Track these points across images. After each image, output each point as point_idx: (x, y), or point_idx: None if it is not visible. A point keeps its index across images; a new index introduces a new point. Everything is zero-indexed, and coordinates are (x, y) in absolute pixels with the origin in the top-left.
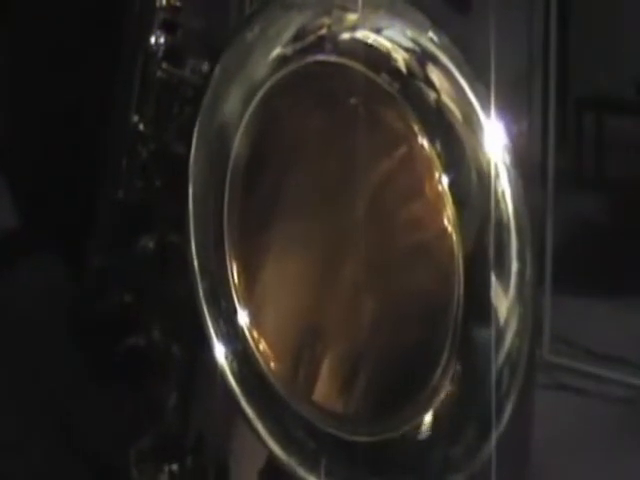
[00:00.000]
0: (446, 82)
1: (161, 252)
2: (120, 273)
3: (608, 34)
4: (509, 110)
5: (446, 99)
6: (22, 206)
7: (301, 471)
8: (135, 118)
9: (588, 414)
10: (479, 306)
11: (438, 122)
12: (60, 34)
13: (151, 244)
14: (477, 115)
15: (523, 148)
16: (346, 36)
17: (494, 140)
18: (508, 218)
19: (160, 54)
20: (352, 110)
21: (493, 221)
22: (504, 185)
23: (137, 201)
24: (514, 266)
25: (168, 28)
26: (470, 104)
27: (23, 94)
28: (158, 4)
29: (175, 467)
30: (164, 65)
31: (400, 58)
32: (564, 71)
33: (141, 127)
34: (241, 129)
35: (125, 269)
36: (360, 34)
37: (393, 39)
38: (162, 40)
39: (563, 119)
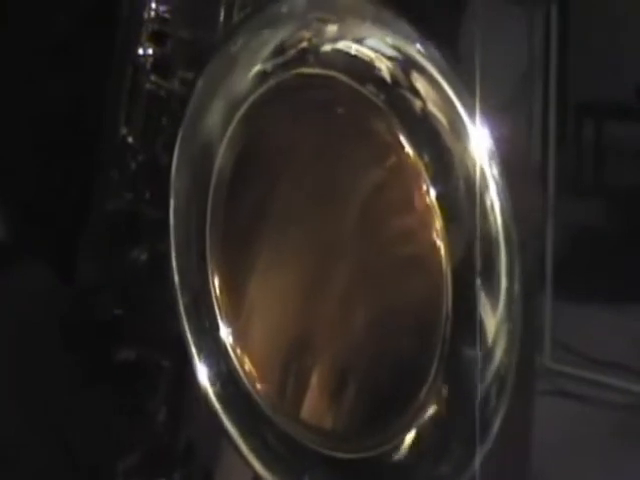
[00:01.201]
0: (432, 90)
1: (150, 264)
2: (110, 285)
3: (608, 39)
4: (505, 117)
5: (432, 107)
6: (11, 217)
7: None
8: (124, 130)
9: (589, 420)
10: (468, 322)
11: (425, 131)
12: (49, 46)
13: (140, 256)
14: (464, 124)
15: (513, 156)
16: (328, 48)
17: (481, 148)
18: (497, 231)
19: (148, 66)
20: (337, 123)
21: (479, 229)
22: (493, 197)
23: (126, 213)
24: (503, 282)
25: (156, 39)
26: (457, 112)
27: (12, 104)
28: (146, 15)
29: None
30: (152, 77)
31: (384, 67)
32: (564, 77)
33: (130, 139)
34: (224, 142)
35: (115, 281)
36: (342, 45)
37: (375, 48)
38: (150, 52)
39: (563, 125)
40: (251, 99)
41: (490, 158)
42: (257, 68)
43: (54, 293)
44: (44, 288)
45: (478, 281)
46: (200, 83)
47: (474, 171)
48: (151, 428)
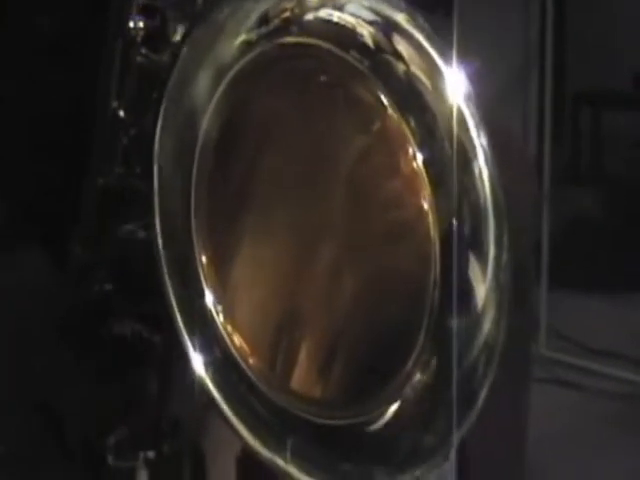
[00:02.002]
0: (414, 52)
1: (142, 239)
2: (102, 261)
3: (605, 28)
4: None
5: (415, 70)
6: (3, 195)
7: (266, 452)
8: (115, 104)
9: (584, 409)
10: (456, 290)
11: (409, 95)
12: (39, 21)
13: (132, 231)
14: (446, 82)
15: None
16: (310, 17)
17: (458, 92)
18: (485, 201)
19: (139, 39)
20: (323, 92)
21: (456, 189)
22: (481, 166)
23: (118, 187)
24: (491, 251)
25: (147, 13)
26: (440, 73)
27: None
28: None
29: (151, 454)
30: (143, 50)
31: (366, 33)
32: (561, 65)
33: (121, 113)
34: (210, 110)
35: (106, 256)
36: (324, 13)
37: (356, 14)
38: (141, 25)
39: (560, 113)
40: (236, 68)
41: (477, 125)
42: (242, 38)
43: (46, 272)
44: (35, 267)
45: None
46: (185, 51)
47: (458, 130)
48: (141, 402)
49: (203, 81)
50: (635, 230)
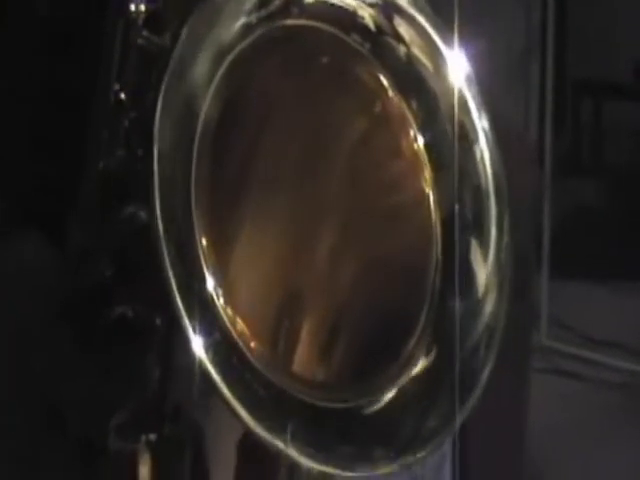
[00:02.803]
0: (415, 34)
1: (143, 222)
2: (102, 244)
3: (606, 19)
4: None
5: (416, 51)
6: (2, 179)
7: (267, 435)
8: (116, 87)
9: (585, 399)
10: (459, 274)
11: (410, 76)
12: (39, 5)
13: (133, 214)
14: (447, 64)
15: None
16: None
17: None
18: (487, 183)
19: (140, 22)
20: (323, 74)
21: (456, 168)
22: (483, 149)
23: (119, 171)
24: (492, 233)
25: None
26: (441, 55)
27: None
28: None
29: (152, 436)
30: (144, 33)
31: (367, 15)
32: (562, 55)
33: (122, 96)
34: (210, 93)
35: (107, 240)
36: None
37: None
38: (142, 7)
39: (561, 103)
40: (236, 50)
41: (478, 108)
42: (242, 21)
43: (46, 257)
44: (35, 253)
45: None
46: (185, 33)
47: (460, 113)
48: (142, 385)
49: (203, 64)
50: (636, 220)
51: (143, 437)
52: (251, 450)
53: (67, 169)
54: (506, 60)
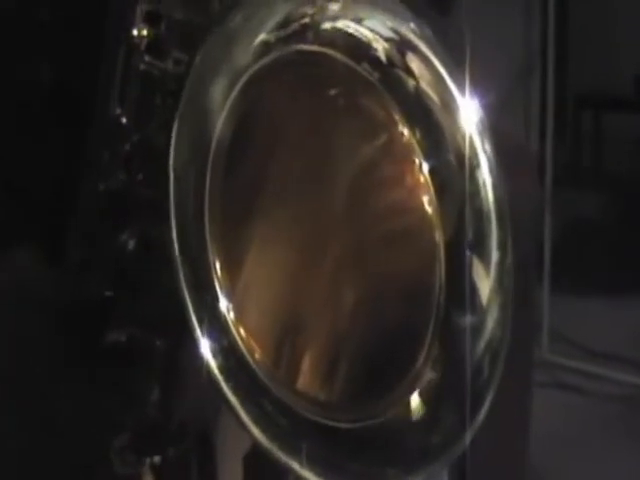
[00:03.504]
0: (425, 70)
1: (143, 245)
2: (101, 266)
3: (607, 30)
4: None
5: (425, 86)
6: (1, 197)
7: (282, 456)
8: (117, 111)
9: (587, 412)
10: (461, 293)
11: (417, 109)
12: (41, 26)
13: (132, 237)
14: (456, 102)
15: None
16: (328, 25)
17: (471, 123)
18: (489, 208)
19: (142, 46)
20: (333, 99)
21: (468, 199)
22: (485, 174)
23: (119, 193)
24: (494, 255)
25: (150, 20)
26: (449, 91)
27: (0, 84)
28: None
29: (157, 459)
30: (146, 58)
31: (380, 48)
32: (563, 67)
33: (123, 120)
34: (222, 117)
35: (106, 262)
36: (341, 24)
37: (374, 29)
38: (144, 32)
39: (562, 115)
40: (251, 71)
41: (481, 134)
42: (261, 38)
43: (43, 276)
44: (33, 271)
45: (468, 252)
46: (198, 59)
47: (465, 144)
48: (144, 407)
49: (218, 86)
50: (636, 232)
51: (147, 460)
52: (257, 465)
53: (65, 188)
54: (507, 72)
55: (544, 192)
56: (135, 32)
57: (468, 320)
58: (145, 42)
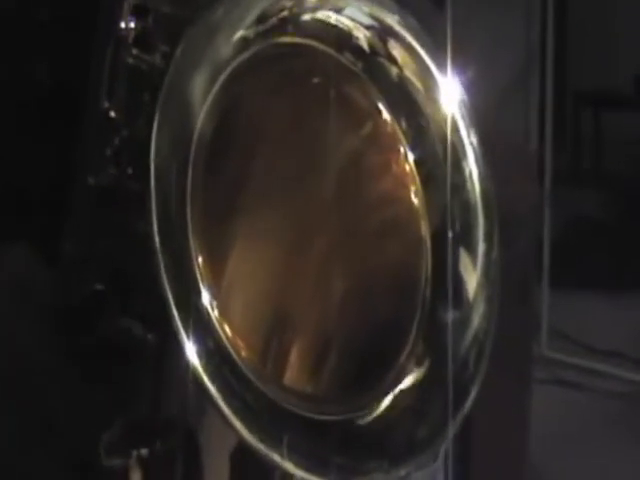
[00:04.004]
0: (408, 56)
1: (133, 239)
2: (93, 260)
3: (606, 28)
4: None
5: (408, 73)
6: None
7: (263, 448)
8: (106, 105)
9: (585, 409)
10: (447, 285)
11: (401, 97)
12: (30, 20)
13: (123, 231)
14: (439, 88)
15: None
16: (307, 17)
17: (455, 109)
18: (475, 199)
19: (130, 40)
20: (316, 91)
21: (449, 186)
22: (471, 165)
23: (109, 188)
24: (481, 247)
25: (138, 13)
26: (432, 76)
27: None
28: None
29: (144, 452)
30: (134, 51)
31: (362, 36)
32: (562, 66)
33: (112, 114)
34: (204, 112)
35: (98, 256)
36: (321, 14)
37: (354, 18)
38: (132, 25)
39: (561, 114)
40: (232, 66)
41: (467, 125)
42: (240, 34)
43: (35, 271)
44: (26, 266)
45: (450, 234)
46: (179, 52)
47: (449, 132)
48: (133, 400)
49: (199, 80)
50: (636, 230)
51: (134, 453)
52: (244, 463)
53: (57, 183)
54: (506, 72)
55: (543, 191)
56: (123, 25)
57: (450, 315)
58: (133, 35)
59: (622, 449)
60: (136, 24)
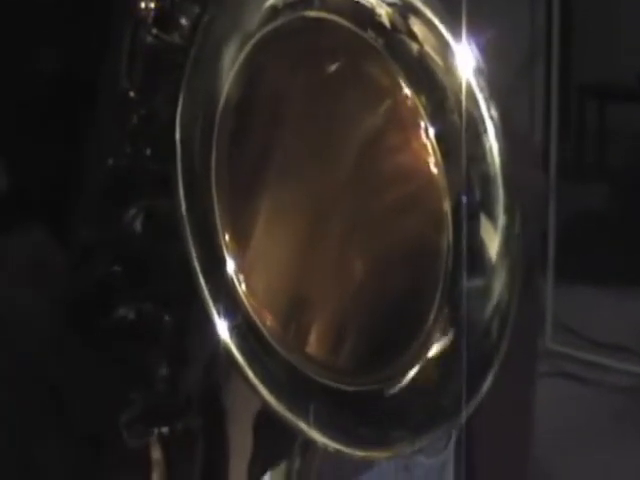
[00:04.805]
0: (428, 33)
1: (151, 220)
2: (109, 243)
3: (611, 21)
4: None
5: (429, 50)
6: (7, 176)
7: (290, 416)
8: (125, 84)
9: (590, 403)
10: (468, 256)
11: (421, 73)
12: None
13: (140, 211)
14: (457, 60)
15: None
16: None
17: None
18: (495, 172)
19: (149, 19)
20: (337, 67)
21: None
22: (491, 140)
23: (127, 168)
24: (501, 219)
25: None
26: (451, 51)
27: (6, 57)
28: None
29: (165, 430)
30: (154, 30)
31: (384, 13)
32: (567, 59)
33: (131, 94)
34: (229, 81)
35: (114, 237)
36: None
37: None
38: (152, 5)
39: (566, 107)
40: (258, 36)
41: (486, 99)
42: (270, 2)
43: (54, 254)
44: (44, 248)
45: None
46: (206, 24)
47: (468, 104)
48: (152, 381)
49: (226, 50)
50: None
51: (156, 430)
52: (266, 430)
53: (73, 163)
54: (511, 64)
55: (548, 183)
56: (142, 5)
57: (464, 282)
58: (152, 15)
59: (627, 443)
60: (155, 3)
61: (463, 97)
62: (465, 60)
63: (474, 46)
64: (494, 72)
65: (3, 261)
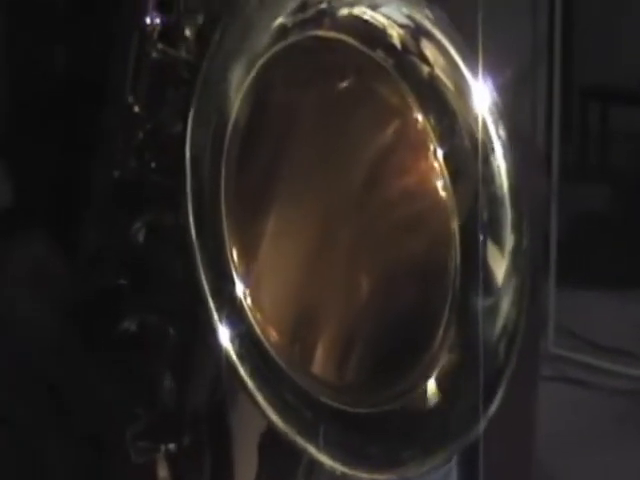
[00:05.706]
0: (439, 56)
1: (157, 233)
2: (114, 255)
3: (613, 23)
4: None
5: (439, 72)
6: (14, 187)
7: (299, 439)
8: (130, 99)
9: (591, 406)
10: (476, 276)
11: (431, 95)
12: (54, 13)
13: (145, 225)
14: (470, 87)
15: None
16: (345, 12)
17: (485, 108)
18: (503, 193)
19: (155, 34)
20: (347, 86)
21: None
22: (499, 160)
23: (132, 182)
24: (509, 240)
25: (163, 8)
26: (463, 76)
27: (15, 71)
28: None
29: (172, 446)
30: (159, 45)
31: (395, 34)
32: (569, 61)
33: (136, 108)
34: (239, 99)
35: (119, 250)
36: (358, 10)
37: (389, 16)
38: (157, 20)
39: (568, 110)
40: (267, 55)
41: (495, 120)
42: (279, 21)
43: (57, 264)
44: (48, 260)
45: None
46: (215, 43)
47: (478, 129)
48: (158, 395)
49: (236, 68)
50: None
51: (162, 447)
52: (273, 455)
53: (79, 174)
54: (513, 67)
55: (550, 186)
56: (148, 20)
57: (480, 303)
58: (158, 30)
59: (629, 446)
60: (161, 18)
61: (479, 127)
62: (479, 92)
63: (489, 79)
64: (501, 86)
65: (7, 269)
